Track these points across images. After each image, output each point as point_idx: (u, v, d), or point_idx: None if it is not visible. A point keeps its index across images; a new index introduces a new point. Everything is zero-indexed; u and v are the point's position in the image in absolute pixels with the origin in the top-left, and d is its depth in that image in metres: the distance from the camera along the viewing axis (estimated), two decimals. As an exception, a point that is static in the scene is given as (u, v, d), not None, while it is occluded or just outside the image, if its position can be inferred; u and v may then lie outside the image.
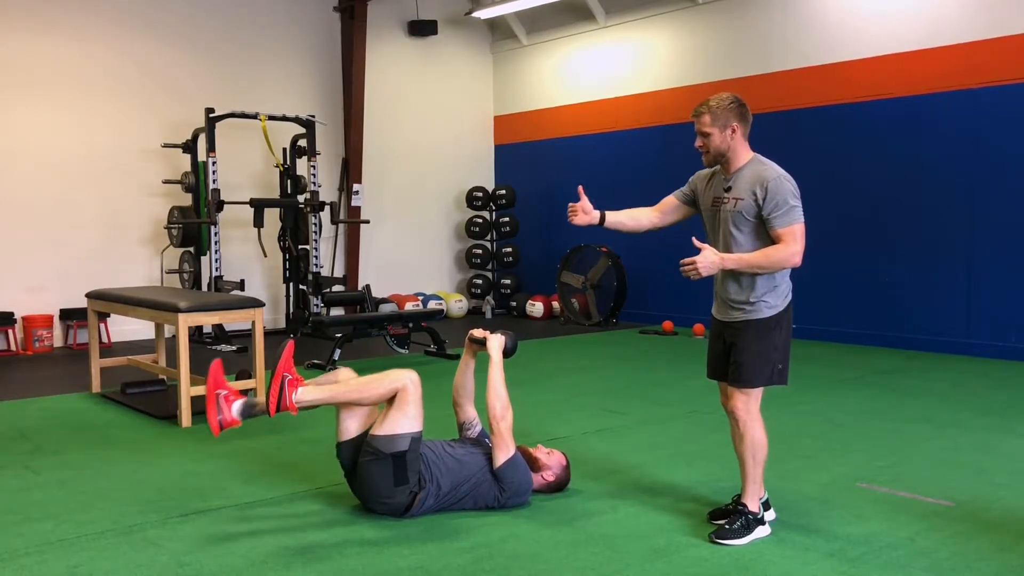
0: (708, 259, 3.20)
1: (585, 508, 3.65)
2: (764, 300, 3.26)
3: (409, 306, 10.17)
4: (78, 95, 8.72)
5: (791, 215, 3.17)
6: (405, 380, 3.50)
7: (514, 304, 11.03)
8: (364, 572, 3.00)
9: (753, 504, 3.30)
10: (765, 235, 3.23)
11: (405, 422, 3.47)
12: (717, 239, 3.37)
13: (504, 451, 3.61)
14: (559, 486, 3.83)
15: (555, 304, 10.64)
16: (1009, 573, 2.96)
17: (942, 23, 7.63)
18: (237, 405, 3.40)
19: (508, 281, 11.21)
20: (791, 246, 3.16)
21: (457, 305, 11.12)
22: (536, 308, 10.70)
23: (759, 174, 3.23)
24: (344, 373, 3.73)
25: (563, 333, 9.45)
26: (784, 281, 3.30)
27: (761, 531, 3.28)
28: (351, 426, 3.57)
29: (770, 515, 3.41)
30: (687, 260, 3.22)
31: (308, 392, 3.47)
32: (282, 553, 3.17)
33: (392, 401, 3.49)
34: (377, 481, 3.47)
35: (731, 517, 3.30)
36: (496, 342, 3.83)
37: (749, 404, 3.29)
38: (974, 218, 7.48)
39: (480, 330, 3.94)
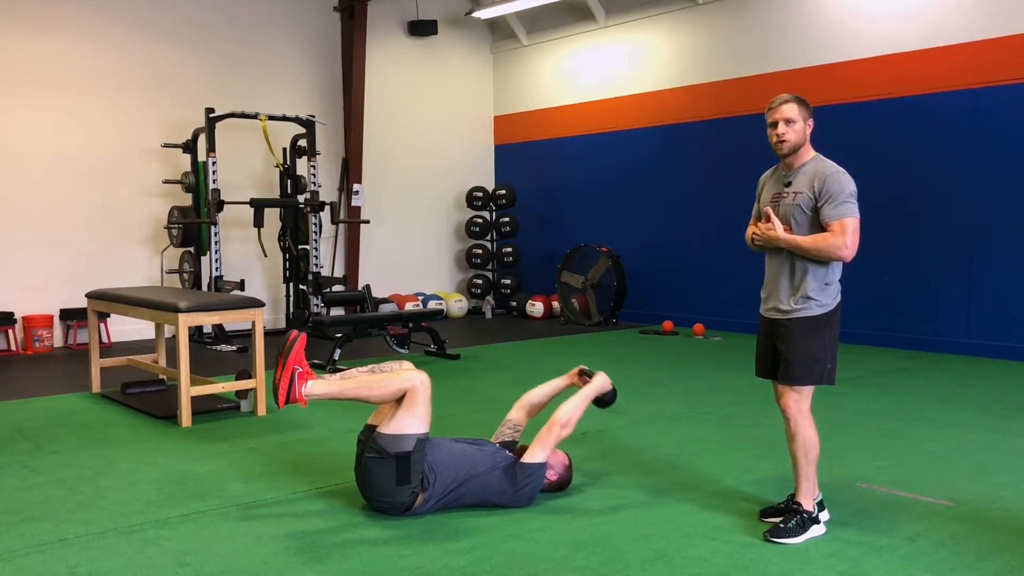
0: (771, 231, 3.30)
1: (585, 508, 3.65)
2: (815, 298, 3.29)
3: (409, 306, 10.17)
4: (78, 95, 8.73)
5: (844, 208, 3.22)
6: (415, 380, 3.50)
7: (514, 304, 11.03)
8: (364, 572, 3.00)
9: (808, 503, 3.31)
10: (821, 230, 3.28)
11: (412, 423, 3.47)
12: None
13: (541, 453, 3.66)
14: (561, 486, 3.83)
15: (555, 304, 10.63)
16: (1009, 573, 2.96)
17: (942, 23, 7.63)
18: (308, 385, 3.46)
19: (508, 281, 11.21)
20: (839, 238, 3.20)
21: (457, 305, 11.12)
22: (536, 308, 10.70)
23: (819, 169, 3.30)
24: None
25: (563, 333, 9.45)
26: (835, 280, 3.34)
27: (816, 530, 3.29)
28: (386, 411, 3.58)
29: (824, 515, 3.41)
30: (761, 227, 3.37)
31: (318, 386, 3.46)
32: (282, 553, 3.17)
33: (401, 400, 3.49)
34: (379, 480, 3.47)
35: (786, 516, 3.31)
36: (603, 379, 3.96)
37: (800, 402, 3.31)
38: (974, 218, 7.48)
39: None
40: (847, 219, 3.21)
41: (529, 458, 3.63)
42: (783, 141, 3.31)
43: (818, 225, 3.28)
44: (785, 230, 3.32)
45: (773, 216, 3.32)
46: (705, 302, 9.43)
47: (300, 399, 3.41)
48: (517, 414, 4.02)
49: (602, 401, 3.97)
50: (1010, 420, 5.18)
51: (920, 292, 7.82)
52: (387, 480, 3.45)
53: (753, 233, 3.41)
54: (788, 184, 3.36)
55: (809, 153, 3.37)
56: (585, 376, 4.02)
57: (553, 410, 3.83)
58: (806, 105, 3.34)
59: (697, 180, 9.52)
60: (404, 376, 3.51)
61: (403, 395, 3.48)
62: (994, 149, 7.35)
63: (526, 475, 3.60)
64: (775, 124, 3.32)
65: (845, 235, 3.20)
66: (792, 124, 3.30)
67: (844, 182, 3.24)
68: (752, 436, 4.83)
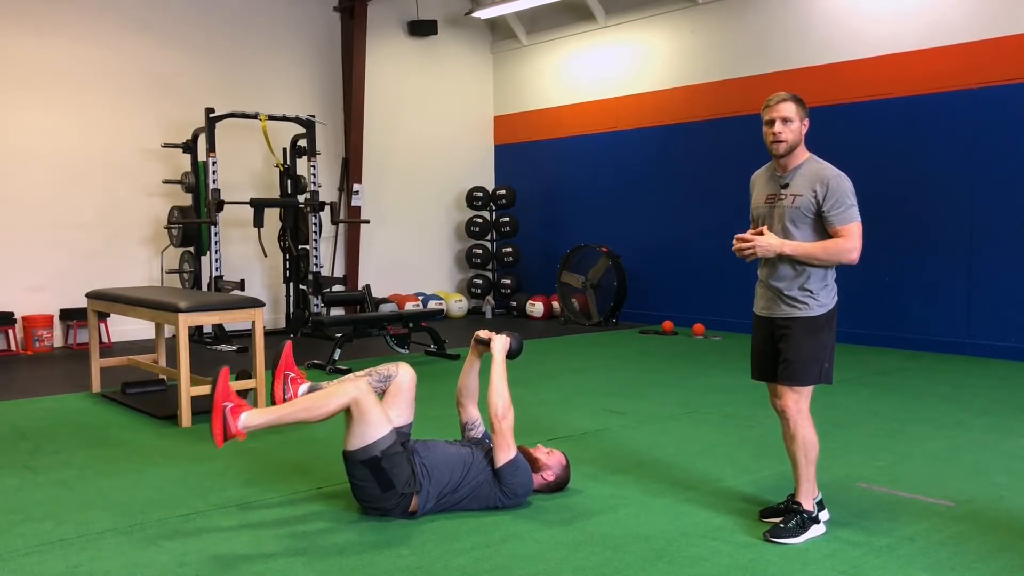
0: (768, 242, 3.24)
1: (585, 508, 3.65)
2: (816, 298, 3.28)
3: (409, 306, 10.17)
4: (79, 96, 8.73)
5: (850, 213, 3.21)
6: (353, 394, 3.38)
7: (514, 304, 11.03)
8: (364, 572, 3.00)
9: (807, 503, 3.30)
10: (822, 232, 3.27)
11: (370, 431, 3.41)
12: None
13: (505, 451, 3.60)
14: (559, 486, 3.83)
15: (555, 304, 10.64)
16: (1009, 573, 2.96)
17: (941, 23, 7.63)
18: (303, 388, 3.52)
19: (508, 281, 11.21)
20: (849, 242, 3.20)
21: (457, 305, 11.13)
22: (536, 308, 10.70)
23: (819, 172, 3.27)
24: (403, 370, 3.70)
25: (563, 333, 9.45)
26: (832, 280, 3.34)
27: (816, 530, 3.28)
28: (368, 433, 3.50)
29: (824, 515, 3.40)
30: (745, 237, 3.25)
31: (253, 417, 3.33)
32: (282, 553, 3.17)
33: (349, 414, 3.42)
34: (366, 491, 3.49)
35: (786, 516, 3.30)
36: (500, 343, 3.84)
37: (800, 403, 3.29)
38: (974, 218, 7.48)
39: (485, 331, 3.94)
40: (854, 224, 3.22)
41: (501, 461, 3.59)
42: (780, 141, 3.27)
43: (819, 227, 3.26)
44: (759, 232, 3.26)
45: (763, 230, 3.27)
46: (705, 302, 9.43)
47: (239, 433, 3.28)
48: (465, 413, 3.94)
49: (513, 356, 3.87)
50: (1010, 420, 5.17)
51: (920, 292, 7.82)
52: (372, 489, 3.46)
53: (740, 247, 3.26)
54: (785, 185, 3.32)
55: (804, 153, 3.33)
56: (482, 345, 3.91)
57: (486, 385, 3.74)
58: (803, 104, 3.31)
59: (697, 180, 9.52)
60: (341, 391, 3.40)
61: (348, 410, 3.40)
62: (994, 149, 7.35)
63: (508, 476, 3.59)
64: (772, 123, 3.29)
65: (855, 239, 3.20)
66: (789, 123, 3.26)
67: (847, 186, 3.23)
68: (752, 436, 4.83)
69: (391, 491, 3.45)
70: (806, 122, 3.31)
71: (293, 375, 3.47)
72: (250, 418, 3.31)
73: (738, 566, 3.02)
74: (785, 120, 3.26)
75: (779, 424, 3.44)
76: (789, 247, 3.24)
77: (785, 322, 3.32)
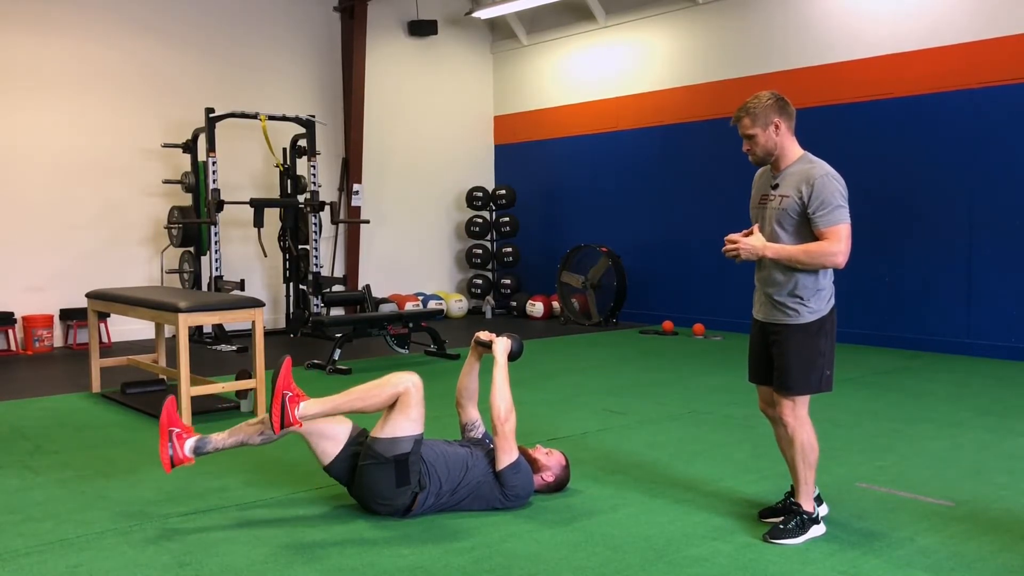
0: (751, 243, 3.20)
1: (585, 508, 3.65)
2: (807, 304, 3.21)
3: (409, 306, 10.17)
4: (78, 95, 8.73)
5: (835, 214, 3.13)
6: (407, 383, 3.50)
7: (514, 304, 11.03)
8: (364, 572, 3.00)
9: (807, 504, 3.29)
10: (809, 235, 3.19)
11: (407, 425, 3.47)
12: (763, 236, 3.30)
13: (508, 454, 3.61)
14: (559, 486, 3.83)
15: (555, 304, 10.64)
16: (1009, 573, 2.96)
17: (941, 23, 7.63)
18: (190, 442, 3.47)
19: (508, 281, 11.21)
20: (833, 245, 3.12)
21: (457, 305, 11.13)
22: (536, 308, 10.70)
23: (806, 172, 3.19)
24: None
25: (563, 333, 9.45)
26: (827, 285, 3.26)
27: (816, 530, 3.27)
28: (328, 448, 3.54)
29: (823, 510, 3.40)
30: (732, 238, 3.23)
31: (311, 406, 3.45)
32: (282, 553, 3.17)
33: (394, 404, 3.49)
34: (378, 484, 3.47)
35: (786, 517, 3.30)
36: (502, 345, 3.84)
37: (797, 410, 3.25)
38: (974, 218, 7.48)
39: (486, 332, 3.94)
40: (840, 226, 3.12)
41: (503, 463, 3.59)
42: (751, 155, 3.29)
43: (806, 229, 3.19)
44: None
45: (754, 229, 3.25)
46: (705, 302, 9.43)
47: (295, 422, 3.40)
48: (465, 414, 3.95)
49: (513, 359, 3.88)
50: (1010, 420, 5.18)
51: (920, 292, 7.82)
52: (387, 483, 3.45)
53: (726, 248, 3.24)
54: (775, 187, 3.28)
55: (795, 153, 3.27)
56: (483, 347, 3.91)
57: (485, 386, 3.76)
58: (763, 112, 3.20)
59: (697, 180, 9.52)
60: (396, 380, 3.51)
61: (396, 399, 3.48)
62: (993, 149, 7.35)
63: (510, 478, 3.59)
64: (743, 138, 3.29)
65: (840, 242, 3.12)
66: (752, 138, 3.23)
67: (833, 186, 3.14)
68: (752, 436, 4.82)
69: (404, 487, 3.46)
70: (778, 122, 3.21)
71: (291, 394, 3.43)
72: (307, 408, 3.45)
73: (738, 566, 3.02)
74: (747, 137, 3.25)
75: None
76: (771, 250, 3.18)
77: (777, 328, 3.29)
